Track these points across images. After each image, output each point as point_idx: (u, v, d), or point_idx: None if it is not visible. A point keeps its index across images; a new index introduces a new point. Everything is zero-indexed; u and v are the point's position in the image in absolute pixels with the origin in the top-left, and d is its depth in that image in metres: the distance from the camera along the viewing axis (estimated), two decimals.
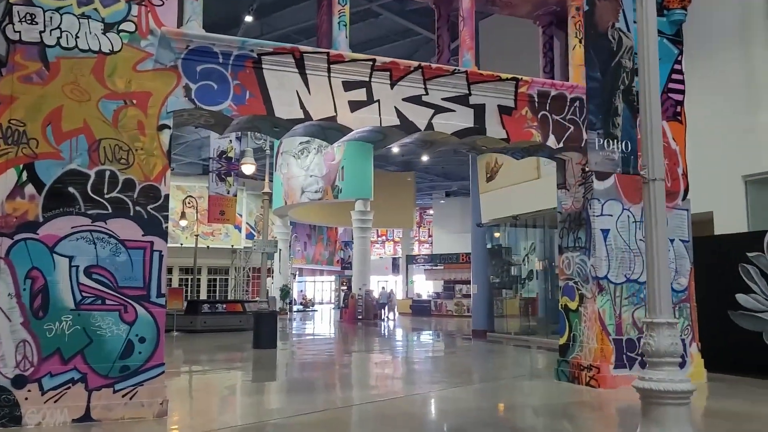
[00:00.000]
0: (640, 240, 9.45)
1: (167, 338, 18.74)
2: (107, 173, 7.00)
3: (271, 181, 16.88)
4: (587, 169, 5.05)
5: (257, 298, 30.85)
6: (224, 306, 21.64)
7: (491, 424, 7.26)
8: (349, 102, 8.19)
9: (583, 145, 9.27)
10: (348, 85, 8.19)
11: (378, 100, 8.32)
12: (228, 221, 23.39)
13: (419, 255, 43.46)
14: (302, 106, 7.94)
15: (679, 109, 9.92)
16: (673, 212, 9.70)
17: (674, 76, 9.90)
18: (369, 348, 17.28)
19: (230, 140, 22.80)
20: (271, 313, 15.63)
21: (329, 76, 8.10)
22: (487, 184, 18.98)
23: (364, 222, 30.44)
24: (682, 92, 9.97)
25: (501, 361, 13.68)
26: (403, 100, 8.45)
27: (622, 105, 5.23)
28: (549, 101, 9.12)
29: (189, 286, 28.68)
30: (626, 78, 5.29)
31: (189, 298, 26.94)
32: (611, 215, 9.35)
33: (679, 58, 9.97)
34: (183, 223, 27.43)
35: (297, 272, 48.30)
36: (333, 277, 52.12)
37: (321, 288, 56.18)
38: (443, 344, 18.52)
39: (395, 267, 49.85)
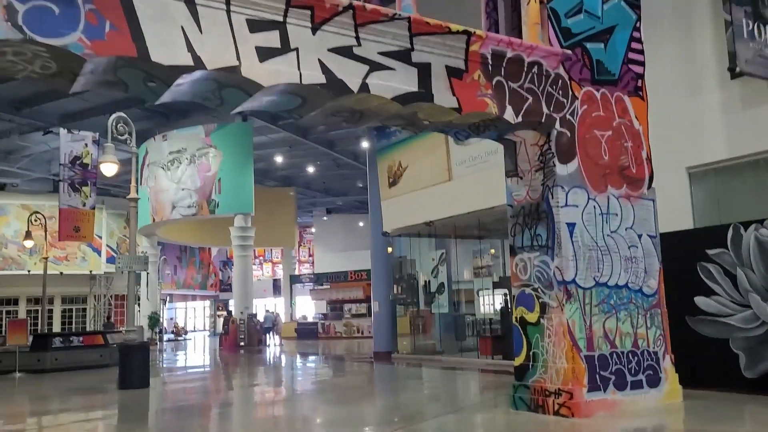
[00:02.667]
0: (608, 236, 7.93)
1: (6, 380, 15.41)
2: None
3: (137, 186, 14.02)
4: (737, 69, 3.18)
5: (122, 328, 27.08)
6: (80, 339, 18.12)
7: None
8: (257, 48, 5.98)
9: (543, 120, 7.63)
10: (255, 25, 5.98)
11: (296, 49, 6.17)
12: (84, 239, 19.91)
13: (304, 275, 40.94)
14: (191, 49, 5.62)
15: (640, 83, 8.57)
16: (639, 202, 8.27)
17: (634, 45, 8.55)
18: (262, 382, 14.72)
19: (86, 144, 19.52)
20: (142, 345, 12.74)
21: (228, 11, 5.85)
22: (389, 189, 17.19)
23: (244, 239, 27.62)
24: (643, 64, 8.64)
25: (428, 389, 11.72)
26: (330, 51, 6.36)
27: None
28: (505, 65, 7.39)
29: (39, 318, 24.45)
30: None
31: (39, 332, 22.85)
32: (577, 206, 7.73)
33: (638, 25, 8.65)
34: (29, 243, 23.26)
35: (167, 298, 44.05)
36: (207, 302, 48.23)
37: (194, 314, 51.86)
38: (345, 371, 16.30)
39: (276, 288, 46.90)
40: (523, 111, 7.44)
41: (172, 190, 27.95)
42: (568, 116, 7.81)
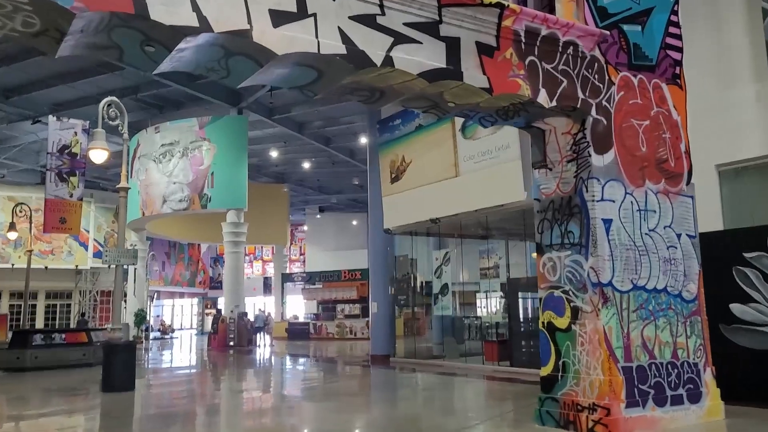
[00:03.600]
0: (646, 234, 7.25)
1: None
2: None
3: (128, 175, 13.22)
4: None
5: (107, 325, 26.15)
6: (63, 336, 17.25)
7: None
8: (271, 12, 5.26)
9: (578, 105, 6.94)
10: None
11: (314, 15, 5.45)
12: (70, 231, 19.06)
13: (296, 273, 40.08)
14: (196, 8, 4.89)
15: (678, 70, 7.90)
16: (678, 199, 7.61)
17: (671, 30, 7.89)
18: (254, 387, 13.91)
19: (75, 132, 18.68)
20: (128, 345, 11.94)
21: None
22: (391, 185, 16.44)
23: (237, 235, 26.78)
24: (681, 50, 7.97)
25: (435, 398, 10.92)
26: (351, 18, 5.65)
27: None
28: (538, 43, 6.70)
29: (22, 313, 23.51)
30: None
31: (21, 328, 21.94)
32: (613, 201, 7.05)
33: (676, 8, 7.99)
34: (12, 236, 22.33)
35: (154, 295, 43.09)
36: (196, 300, 47.29)
37: (181, 312, 50.88)
38: (341, 376, 15.44)
39: (267, 287, 46.05)
40: (557, 95, 6.75)
41: (163, 184, 27.08)
42: (604, 103, 7.12)
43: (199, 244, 46.72)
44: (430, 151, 15.14)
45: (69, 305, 36.62)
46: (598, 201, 6.91)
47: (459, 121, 14.40)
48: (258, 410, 10.21)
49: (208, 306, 43.11)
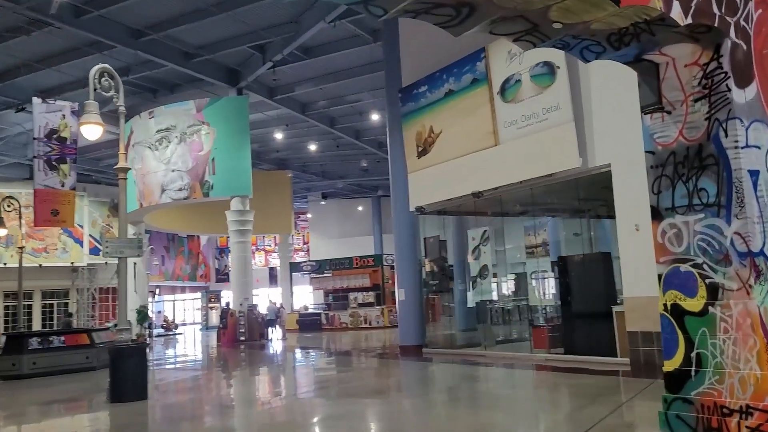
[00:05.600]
0: None
1: None
2: None
3: (126, 154, 11.63)
4: None
5: (108, 324, 24.61)
6: (62, 339, 15.72)
7: None
8: None
9: (715, 24, 5.40)
10: None
11: None
12: (63, 223, 17.41)
13: (305, 262, 38.54)
14: None
15: None
16: None
17: None
18: (289, 391, 12.18)
19: (63, 115, 17.03)
20: (138, 348, 10.40)
21: None
22: (418, 160, 14.89)
23: (243, 224, 25.20)
24: None
25: (509, 398, 9.34)
26: None
27: None
28: None
29: (19, 315, 21.92)
30: None
31: (16, 330, 20.42)
32: (759, 147, 5.53)
33: None
34: (2, 232, 20.69)
35: (155, 291, 41.58)
36: (198, 294, 45.79)
37: (183, 307, 49.37)
38: (379, 373, 13.68)
39: (272, 278, 44.55)
40: (692, 10, 5.21)
41: (161, 172, 25.52)
42: (742, 22, 5.59)
43: (198, 237, 45.22)
44: (463, 119, 13.60)
45: (66, 304, 35.05)
46: (742, 148, 5.39)
47: (497, 83, 12.87)
48: (306, 424, 8.59)
49: (212, 300, 41.60)
